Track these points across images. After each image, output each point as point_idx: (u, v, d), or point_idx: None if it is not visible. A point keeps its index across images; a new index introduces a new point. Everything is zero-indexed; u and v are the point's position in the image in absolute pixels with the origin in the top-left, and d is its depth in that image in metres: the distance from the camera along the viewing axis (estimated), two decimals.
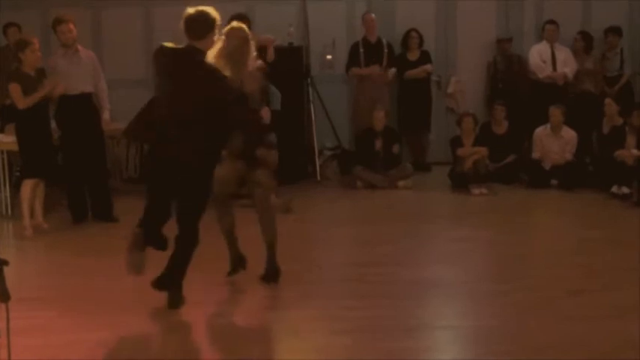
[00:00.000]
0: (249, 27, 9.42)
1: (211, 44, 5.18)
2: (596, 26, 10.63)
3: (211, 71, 5.08)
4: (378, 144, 9.65)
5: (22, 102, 7.32)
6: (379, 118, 9.70)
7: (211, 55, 5.19)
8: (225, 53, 5.32)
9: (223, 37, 5.35)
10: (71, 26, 7.79)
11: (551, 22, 10.43)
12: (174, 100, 5.09)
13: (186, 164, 5.10)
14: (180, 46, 5.16)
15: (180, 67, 5.12)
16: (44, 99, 7.45)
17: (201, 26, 5.07)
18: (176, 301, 5.27)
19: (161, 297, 5.57)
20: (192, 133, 5.03)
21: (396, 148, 9.69)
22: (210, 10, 5.14)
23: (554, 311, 5.19)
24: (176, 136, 5.05)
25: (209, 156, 5.20)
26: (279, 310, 5.31)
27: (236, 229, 5.90)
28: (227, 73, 5.15)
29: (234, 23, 5.59)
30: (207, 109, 5.01)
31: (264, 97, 6.01)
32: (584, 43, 10.44)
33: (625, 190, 8.61)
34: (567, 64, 10.33)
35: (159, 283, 5.28)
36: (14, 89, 7.31)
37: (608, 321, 4.96)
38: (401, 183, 9.60)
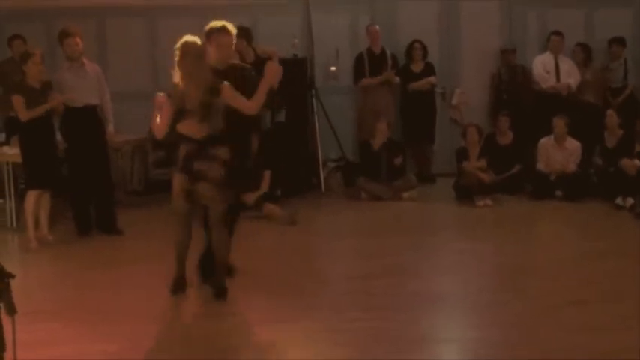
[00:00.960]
0: (250, 39, 9.58)
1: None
2: (599, 37, 10.66)
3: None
4: (383, 155, 9.65)
5: (24, 114, 7.35)
6: (382, 130, 9.71)
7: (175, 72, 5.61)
8: (182, 67, 5.56)
9: (177, 52, 5.56)
10: (78, 40, 7.84)
11: (557, 33, 10.45)
12: None
13: None
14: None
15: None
16: (48, 111, 7.48)
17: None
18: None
19: (166, 308, 5.60)
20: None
21: (398, 161, 9.69)
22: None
23: (557, 322, 5.18)
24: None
25: None
26: (282, 323, 5.30)
27: (189, 250, 5.94)
28: (184, 85, 5.55)
29: (188, 37, 5.63)
30: None
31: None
32: (583, 54, 10.47)
33: (630, 201, 8.61)
34: (571, 75, 10.35)
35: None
36: (17, 101, 7.35)
37: (610, 331, 4.95)
38: (405, 194, 9.60)
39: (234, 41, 5.92)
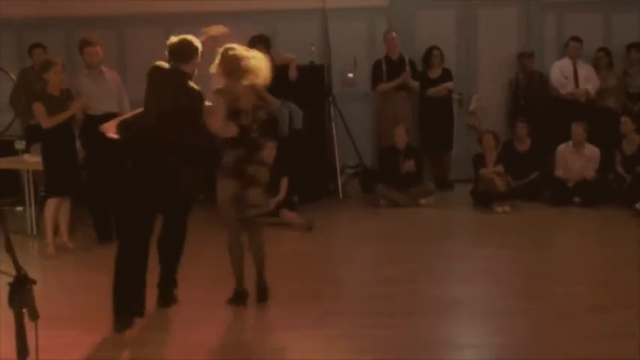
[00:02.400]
0: (269, 47, 9.62)
1: (194, 68, 5.46)
2: (617, 42, 10.61)
3: (191, 90, 5.37)
4: (401, 162, 9.65)
5: (46, 121, 7.42)
6: (400, 135, 9.71)
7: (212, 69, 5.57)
8: (221, 69, 5.56)
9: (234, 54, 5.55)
10: (98, 49, 7.93)
11: (575, 38, 10.41)
12: (161, 120, 5.31)
13: (185, 192, 5.52)
14: (169, 67, 5.47)
15: (167, 86, 5.39)
16: (69, 119, 7.55)
17: (185, 51, 5.44)
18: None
19: (185, 315, 5.62)
20: (180, 157, 5.27)
21: (411, 165, 9.66)
22: (193, 39, 5.50)
23: (576, 329, 5.16)
24: (167, 160, 5.26)
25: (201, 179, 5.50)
26: (302, 329, 5.32)
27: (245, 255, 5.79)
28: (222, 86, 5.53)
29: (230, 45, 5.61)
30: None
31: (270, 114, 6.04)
32: (608, 59, 10.42)
33: None
34: (589, 81, 10.31)
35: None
36: (38, 109, 7.42)
37: (629, 338, 4.91)
38: (423, 201, 9.59)
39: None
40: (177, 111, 5.24)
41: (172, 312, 5.71)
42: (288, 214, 8.64)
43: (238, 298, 5.74)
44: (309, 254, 7.54)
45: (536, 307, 5.66)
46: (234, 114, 5.47)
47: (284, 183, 8.83)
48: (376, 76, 10.46)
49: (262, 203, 5.67)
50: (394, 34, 10.48)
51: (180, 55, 5.40)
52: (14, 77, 7.99)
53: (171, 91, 5.33)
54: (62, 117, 7.45)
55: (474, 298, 5.98)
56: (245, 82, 5.52)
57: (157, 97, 5.38)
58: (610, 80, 10.38)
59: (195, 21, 10.28)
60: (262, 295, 5.78)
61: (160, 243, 5.67)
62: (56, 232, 7.69)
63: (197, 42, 5.48)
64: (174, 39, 5.49)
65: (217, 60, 5.55)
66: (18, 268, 2.53)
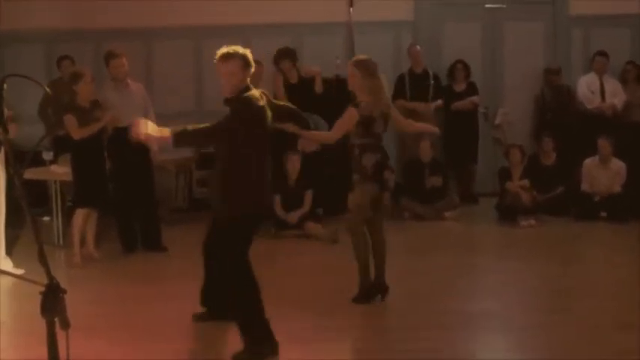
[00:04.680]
0: (295, 60, 9.64)
1: None
2: None
3: None
4: (426, 175, 9.65)
5: (77, 133, 7.49)
6: (425, 149, 9.71)
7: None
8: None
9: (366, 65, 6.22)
10: (124, 61, 7.97)
11: (602, 53, 10.37)
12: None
13: None
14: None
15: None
16: (98, 130, 7.61)
17: None
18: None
19: (211, 326, 5.63)
20: None
21: (438, 181, 9.66)
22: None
23: (604, 345, 5.12)
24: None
25: None
26: (323, 342, 5.31)
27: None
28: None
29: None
30: None
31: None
32: (637, 72, 10.36)
33: None
34: (616, 95, 10.26)
35: None
36: (69, 121, 7.50)
37: None
38: (448, 214, 9.58)
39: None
40: None
41: (202, 324, 5.72)
42: (312, 227, 8.65)
43: (371, 293, 6.11)
44: (333, 267, 7.53)
45: (561, 323, 5.62)
46: (369, 122, 5.96)
47: (308, 196, 8.86)
48: (397, 91, 10.43)
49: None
50: (418, 47, 10.48)
51: None
52: (48, 89, 8.04)
53: None
54: (94, 128, 7.53)
55: (498, 312, 5.96)
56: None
57: None
58: (638, 93, 10.31)
59: (223, 34, 10.39)
60: (384, 292, 6.15)
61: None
62: (82, 242, 7.75)
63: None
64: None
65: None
66: (50, 277, 2.56)
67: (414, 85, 10.38)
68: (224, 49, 4.91)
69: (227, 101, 4.95)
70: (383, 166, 6.17)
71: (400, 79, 10.46)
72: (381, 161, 6.13)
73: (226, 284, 5.01)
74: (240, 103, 4.85)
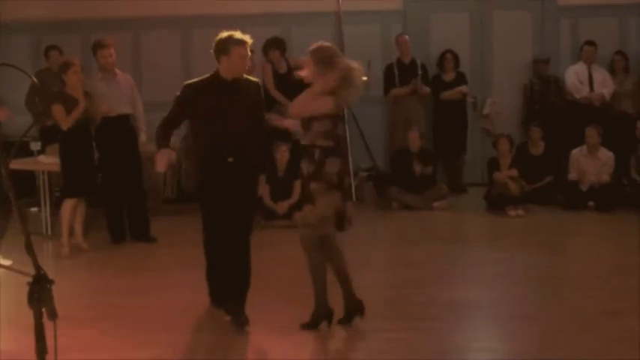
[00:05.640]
0: (284, 50, 9.60)
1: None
2: (633, 47, 10.59)
3: None
4: (414, 165, 9.66)
5: (65, 122, 7.45)
6: (414, 139, 9.72)
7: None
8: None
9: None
10: (112, 51, 7.95)
11: (590, 43, 10.39)
12: None
13: None
14: None
15: None
16: (86, 120, 7.57)
17: None
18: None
19: (198, 316, 5.63)
20: None
21: (429, 170, 9.68)
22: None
23: (592, 333, 5.15)
24: None
25: None
26: (314, 331, 5.32)
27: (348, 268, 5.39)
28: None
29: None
30: None
31: None
32: (625, 62, 10.39)
33: None
34: (605, 85, 10.28)
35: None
36: (57, 110, 7.45)
37: None
38: (436, 204, 9.59)
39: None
40: None
41: (192, 312, 5.73)
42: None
43: (321, 319, 5.31)
44: None
45: (550, 311, 5.65)
46: (336, 122, 5.21)
47: (297, 186, 8.85)
48: (388, 82, 10.44)
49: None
50: (407, 37, 10.48)
51: None
52: (36, 79, 7.99)
53: None
54: (77, 113, 7.44)
55: (487, 301, 5.97)
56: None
57: None
58: (626, 84, 10.35)
59: (212, 24, 10.35)
60: (359, 309, 5.39)
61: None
62: (71, 233, 7.73)
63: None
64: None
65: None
66: (38, 267, 2.55)
67: (403, 75, 10.37)
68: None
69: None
70: (345, 173, 5.30)
71: (389, 70, 10.46)
72: (344, 167, 5.28)
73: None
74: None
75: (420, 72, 10.41)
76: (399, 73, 10.39)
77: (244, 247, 5.39)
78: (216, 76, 5.38)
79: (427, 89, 10.43)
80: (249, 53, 5.42)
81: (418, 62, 10.48)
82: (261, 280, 5.87)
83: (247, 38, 5.37)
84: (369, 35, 10.75)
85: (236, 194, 5.29)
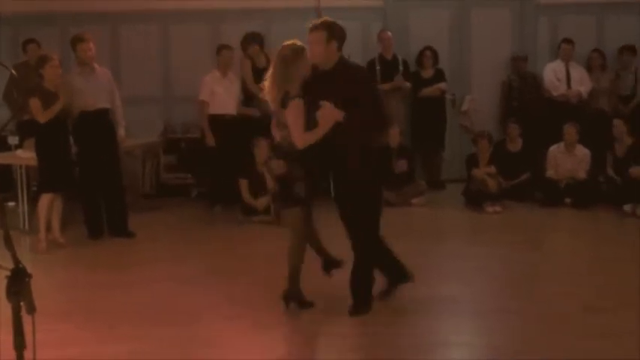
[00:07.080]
0: (262, 45, 9.58)
1: None
2: (610, 45, 10.67)
3: None
4: (393, 161, 9.68)
5: (41, 116, 7.41)
6: (394, 135, 9.74)
7: None
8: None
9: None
10: (91, 45, 7.91)
11: (567, 40, 10.47)
12: None
13: None
14: None
15: None
16: (64, 114, 7.53)
17: None
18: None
19: (177, 310, 5.63)
20: None
21: (404, 165, 9.68)
22: None
23: (570, 329, 5.19)
24: None
25: None
26: (293, 327, 5.33)
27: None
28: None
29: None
30: None
31: None
32: (601, 60, 10.47)
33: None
34: (582, 83, 10.36)
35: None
36: (34, 104, 7.40)
37: (622, 338, 4.95)
38: (415, 200, 9.62)
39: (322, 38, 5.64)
40: None
41: (170, 307, 5.72)
42: (279, 213, 8.63)
43: (292, 298, 5.65)
44: None
45: (528, 306, 5.69)
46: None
47: None
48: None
49: None
50: (389, 33, 10.51)
51: None
52: (14, 72, 7.94)
53: None
54: (55, 109, 7.41)
55: (466, 297, 6.01)
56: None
57: None
58: (603, 82, 10.44)
59: (191, 19, 10.35)
60: (337, 262, 6.09)
61: None
62: (48, 227, 7.68)
63: None
64: None
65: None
66: (16, 261, 2.55)
67: (385, 71, 10.39)
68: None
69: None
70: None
71: (371, 65, 10.47)
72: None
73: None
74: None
75: (401, 68, 10.44)
76: (381, 68, 10.40)
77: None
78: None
79: (408, 85, 10.46)
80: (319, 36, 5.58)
81: (400, 58, 10.50)
82: (241, 276, 5.88)
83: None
84: (349, 32, 10.51)
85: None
